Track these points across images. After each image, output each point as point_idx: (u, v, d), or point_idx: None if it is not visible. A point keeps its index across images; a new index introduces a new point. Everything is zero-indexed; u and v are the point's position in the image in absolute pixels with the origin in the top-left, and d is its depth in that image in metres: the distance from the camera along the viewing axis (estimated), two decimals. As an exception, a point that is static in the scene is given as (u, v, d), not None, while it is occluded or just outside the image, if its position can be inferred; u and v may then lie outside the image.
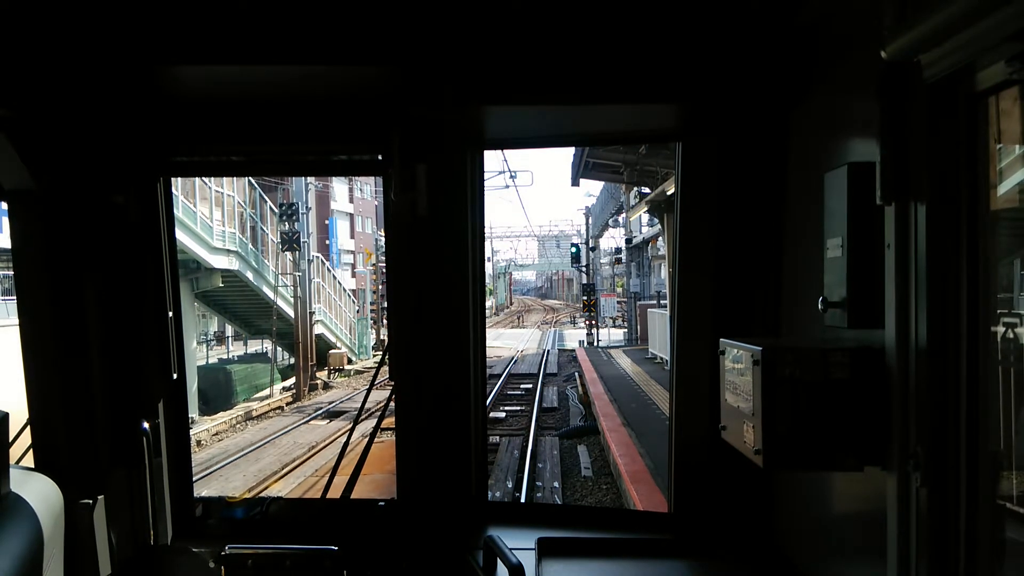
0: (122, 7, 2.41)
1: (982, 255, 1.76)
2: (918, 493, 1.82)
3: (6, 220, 2.77)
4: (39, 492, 2.62)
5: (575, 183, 28.53)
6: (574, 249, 47.90)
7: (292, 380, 29.83)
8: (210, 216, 23.81)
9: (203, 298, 27.49)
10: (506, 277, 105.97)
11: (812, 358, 2.05)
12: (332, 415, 23.48)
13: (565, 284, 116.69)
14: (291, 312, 29.80)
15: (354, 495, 3.24)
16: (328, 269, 35.08)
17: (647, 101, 2.76)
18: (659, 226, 29.41)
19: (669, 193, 18.91)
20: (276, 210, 29.39)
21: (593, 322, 41.37)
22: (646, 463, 12.55)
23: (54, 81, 2.58)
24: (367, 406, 8.33)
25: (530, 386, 26.73)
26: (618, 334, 43.31)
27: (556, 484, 14.54)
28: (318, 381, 30.08)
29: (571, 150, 26.18)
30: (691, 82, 2.67)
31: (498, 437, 18.36)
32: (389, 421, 3.39)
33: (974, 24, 1.53)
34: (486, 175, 3.40)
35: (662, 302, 31.25)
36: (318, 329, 31.27)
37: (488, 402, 14.20)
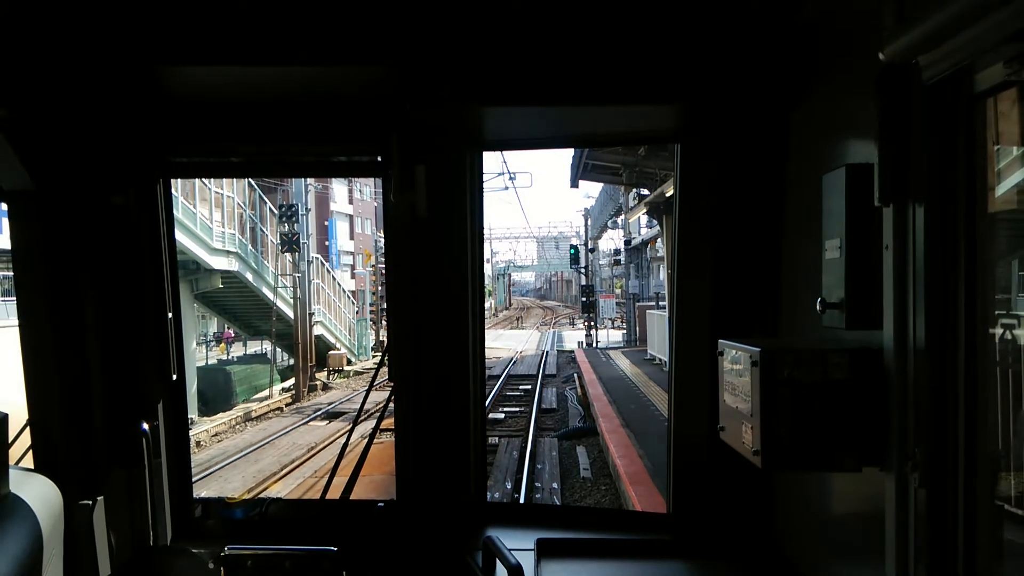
0: (122, 7, 2.42)
1: (980, 256, 1.77)
2: (917, 494, 1.82)
3: (6, 221, 2.77)
4: (38, 493, 2.62)
5: (574, 185, 28.49)
6: (573, 250, 47.87)
7: (291, 381, 29.81)
8: (210, 217, 23.80)
9: (203, 299, 27.47)
10: (505, 278, 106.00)
11: (811, 359, 2.06)
12: (331, 416, 23.46)
13: (564, 285, 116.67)
14: (290, 313, 29.79)
15: (353, 496, 3.24)
16: (327, 270, 35.06)
17: (646, 102, 2.76)
18: (658, 227, 29.41)
19: (668, 195, 18.92)
20: (276, 211, 29.38)
21: (592, 323, 41.37)
22: (645, 464, 12.55)
23: (54, 81, 2.58)
24: (366, 407, 8.31)
25: (529, 387, 26.70)
26: (617, 335, 43.30)
27: (555, 485, 14.53)
28: (317, 382, 30.05)
29: (570, 152, 26.20)
30: (690, 83, 2.67)
31: (497, 438, 18.36)
32: (388, 422, 3.39)
33: (973, 25, 1.53)
34: (485, 176, 3.40)
35: (661, 303, 31.25)
36: (317, 330, 31.26)
37: (487, 403, 14.21)
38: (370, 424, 7.15)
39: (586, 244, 46.98)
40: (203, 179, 22.73)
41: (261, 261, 28.03)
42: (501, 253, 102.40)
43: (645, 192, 26.31)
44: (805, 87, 2.53)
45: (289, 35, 2.49)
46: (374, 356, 37.85)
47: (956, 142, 1.78)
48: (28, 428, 2.88)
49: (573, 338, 46.96)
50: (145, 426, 3.01)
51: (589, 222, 48.14)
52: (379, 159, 3.10)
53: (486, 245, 3.60)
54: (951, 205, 1.78)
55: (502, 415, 21.60)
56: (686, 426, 3.10)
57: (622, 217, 39.88)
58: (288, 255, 29.42)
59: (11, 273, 2.89)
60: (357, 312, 39.61)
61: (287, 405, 26.84)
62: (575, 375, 27.19)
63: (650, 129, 3.38)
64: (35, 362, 2.84)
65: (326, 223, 50.32)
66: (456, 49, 2.58)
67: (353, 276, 53.50)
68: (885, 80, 1.86)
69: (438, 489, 3.15)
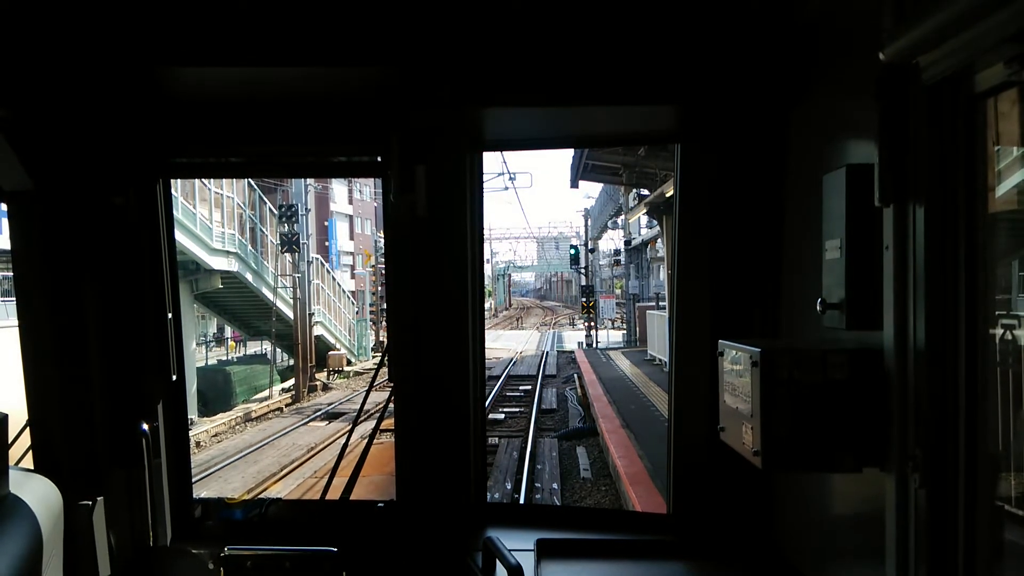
0: (122, 7, 2.42)
1: (981, 257, 1.76)
2: (917, 494, 1.82)
3: (6, 221, 2.77)
4: (38, 493, 2.62)
5: (574, 185, 28.50)
6: (573, 251, 47.91)
7: (291, 381, 29.80)
8: (209, 217, 23.79)
9: (202, 299, 27.47)
10: (505, 279, 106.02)
11: (811, 359, 2.06)
12: (331, 416, 23.46)
13: (564, 286, 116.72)
14: (290, 313, 29.78)
15: (353, 496, 3.24)
16: (327, 271, 35.05)
17: (646, 103, 2.76)
18: (658, 228, 29.42)
19: (668, 195, 18.92)
20: (275, 211, 29.38)
21: (592, 324, 41.39)
22: (645, 465, 12.55)
23: (54, 81, 2.58)
24: (366, 407, 8.30)
25: (529, 387, 26.70)
26: (617, 336, 43.31)
27: (555, 485, 14.53)
28: (317, 382, 30.04)
29: (570, 152, 26.20)
30: (690, 83, 2.67)
31: (497, 438, 18.36)
32: (388, 422, 3.39)
33: (973, 26, 1.53)
34: (485, 176, 3.40)
35: (661, 304, 31.25)
36: (317, 330, 31.25)
37: (487, 403, 14.22)
38: (370, 425, 7.15)
39: (586, 244, 46.99)
40: (203, 179, 22.73)
41: (261, 261, 28.02)
42: (501, 253, 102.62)
43: (645, 192, 26.31)
44: (805, 87, 2.53)
45: (289, 35, 2.49)
46: (374, 356, 37.85)
47: (956, 142, 1.78)
48: (28, 428, 2.88)
49: (573, 338, 46.96)
50: (145, 426, 3.01)
51: (589, 222, 48.15)
52: (379, 159, 3.10)
53: (486, 245, 3.60)
54: (951, 205, 1.78)
55: (502, 415, 21.59)
56: (686, 426, 3.09)
57: (622, 217, 39.90)
58: (288, 255, 29.40)
59: (11, 273, 2.89)
60: (357, 312, 39.61)
61: (287, 405, 26.84)
62: (575, 375, 27.19)
63: (650, 129, 3.38)
64: (35, 362, 2.83)
65: (326, 223, 50.33)
66: (456, 49, 2.58)
67: (353, 276, 53.50)
68: (885, 80, 1.86)
69: (438, 490, 3.15)
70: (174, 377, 3.24)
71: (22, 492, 2.54)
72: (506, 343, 47.29)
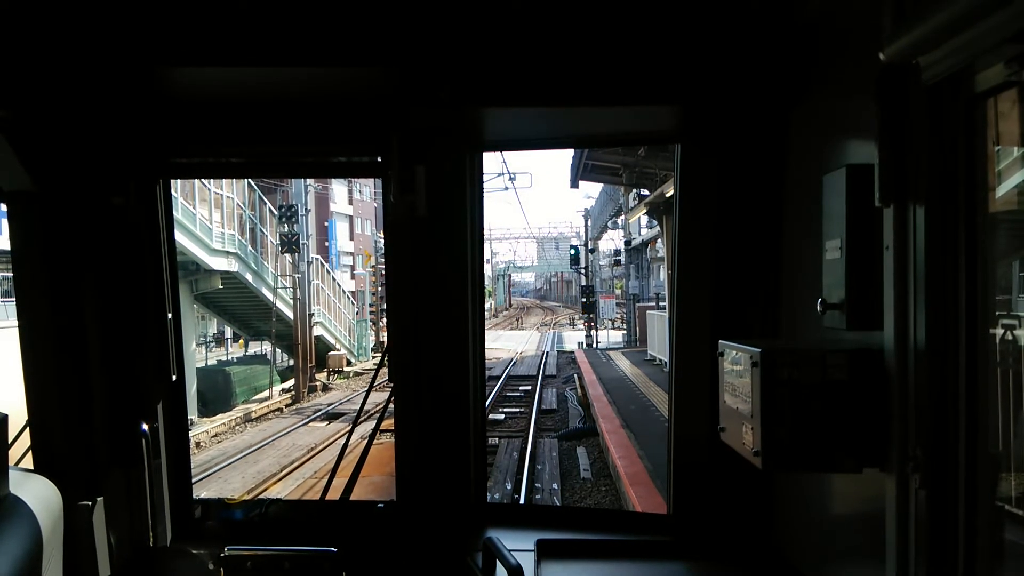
0: (122, 8, 2.42)
1: (981, 257, 1.76)
2: (917, 495, 1.82)
3: (6, 222, 2.77)
4: (38, 494, 2.62)
5: (574, 185, 28.51)
6: (573, 251, 47.90)
7: (291, 382, 29.80)
8: (209, 218, 23.80)
9: (202, 300, 27.47)
10: (505, 279, 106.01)
11: (811, 360, 2.06)
12: (331, 417, 23.46)
13: (564, 286, 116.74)
14: (290, 314, 29.78)
15: (353, 497, 3.24)
16: (327, 271, 35.05)
17: (646, 103, 2.76)
18: (658, 228, 29.42)
19: (668, 195, 18.93)
20: (275, 212, 29.37)
21: (592, 324, 41.39)
22: (645, 465, 12.55)
23: (54, 82, 2.58)
24: (366, 408, 8.30)
25: (529, 388, 26.70)
26: (617, 336, 43.31)
27: (555, 486, 14.53)
28: (317, 383, 30.04)
29: (570, 152, 26.20)
30: (690, 83, 2.67)
31: (497, 439, 18.36)
32: (388, 423, 3.39)
33: (973, 26, 1.53)
34: (485, 176, 3.40)
35: (661, 304, 31.25)
36: (317, 331, 31.25)
37: (487, 404, 14.22)
38: (370, 425, 7.16)
39: (586, 245, 46.98)
40: (203, 179, 22.72)
41: (261, 262, 28.01)
42: (501, 253, 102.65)
43: (645, 192, 26.32)
44: (805, 87, 2.53)
45: (289, 36, 2.49)
46: (374, 357, 37.84)
47: (956, 142, 1.78)
48: (28, 429, 2.88)
49: (573, 339, 46.95)
50: (145, 427, 3.01)
51: (589, 223, 48.14)
52: (379, 160, 3.11)
53: (486, 245, 3.60)
54: (951, 205, 1.78)
55: (502, 416, 21.59)
56: (686, 427, 3.09)
57: (622, 217, 39.90)
58: (288, 256, 29.40)
59: (11, 274, 2.89)
60: (357, 313, 39.60)
61: (287, 406, 26.84)
62: (575, 376, 27.19)
63: (650, 129, 3.38)
64: (35, 363, 2.83)
65: (326, 224, 50.33)
66: (456, 50, 2.58)
67: (353, 277, 53.50)
68: (885, 80, 1.86)
69: (438, 490, 3.15)
70: (174, 377, 3.24)
71: (22, 492, 2.54)
72: (506, 343, 47.26)
